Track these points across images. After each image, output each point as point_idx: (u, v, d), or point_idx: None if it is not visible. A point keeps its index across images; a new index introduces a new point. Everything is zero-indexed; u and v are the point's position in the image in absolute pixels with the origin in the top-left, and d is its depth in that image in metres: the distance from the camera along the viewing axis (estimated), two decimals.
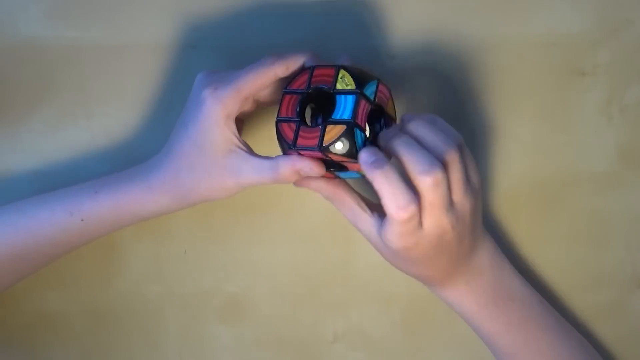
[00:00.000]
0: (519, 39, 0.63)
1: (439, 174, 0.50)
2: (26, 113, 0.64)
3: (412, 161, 0.50)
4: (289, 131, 0.54)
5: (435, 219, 0.51)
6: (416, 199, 0.50)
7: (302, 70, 0.55)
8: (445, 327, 0.67)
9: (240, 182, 0.55)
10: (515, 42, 0.63)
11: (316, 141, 0.52)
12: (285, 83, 0.55)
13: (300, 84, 0.54)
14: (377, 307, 0.67)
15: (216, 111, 0.54)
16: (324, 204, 0.65)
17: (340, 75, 0.53)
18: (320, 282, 0.66)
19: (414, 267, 0.56)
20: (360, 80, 0.53)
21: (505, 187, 0.65)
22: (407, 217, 0.50)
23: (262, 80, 0.54)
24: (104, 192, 0.58)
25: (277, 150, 0.55)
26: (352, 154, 0.52)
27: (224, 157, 0.55)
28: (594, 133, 0.64)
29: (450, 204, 0.52)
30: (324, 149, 0.52)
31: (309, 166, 0.53)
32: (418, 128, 0.52)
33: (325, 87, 0.53)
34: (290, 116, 0.54)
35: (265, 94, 0.57)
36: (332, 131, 0.52)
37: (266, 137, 0.60)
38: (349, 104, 0.52)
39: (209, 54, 0.63)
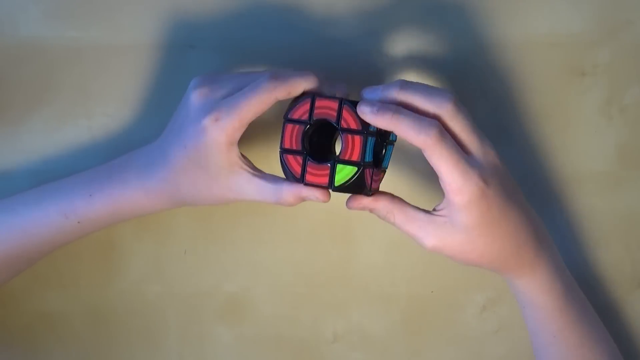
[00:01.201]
0: (519, 39, 0.63)
1: (435, 130, 0.50)
2: (26, 113, 0.64)
3: (405, 129, 0.50)
4: (295, 165, 0.53)
5: (460, 172, 0.51)
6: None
7: (303, 95, 0.54)
8: (445, 327, 0.67)
9: (241, 198, 0.55)
10: (516, 42, 0.63)
11: (326, 180, 0.53)
12: (286, 109, 0.54)
13: (301, 113, 0.53)
14: (377, 307, 0.67)
15: (219, 141, 0.53)
16: (324, 204, 0.65)
17: (343, 111, 0.53)
18: (320, 282, 0.66)
19: (491, 245, 0.54)
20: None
21: None
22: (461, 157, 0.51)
23: (262, 106, 0.53)
24: (98, 196, 0.57)
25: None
26: (363, 191, 0.53)
27: (226, 178, 0.54)
28: (594, 133, 0.64)
29: (469, 156, 0.52)
30: (335, 189, 0.53)
31: (314, 195, 0.53)
32: (401, 93, 0.52)
33: (330, 121, 0.53)
34: (295, 148, 0.53)
35: None
36: (342, 172, 0.52)
37: (264, 142, 0.61)
38: (357, 144, 0.52)
39: (209, 54, 0.63)
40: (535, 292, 0.57)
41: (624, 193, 0.65)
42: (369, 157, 0.53)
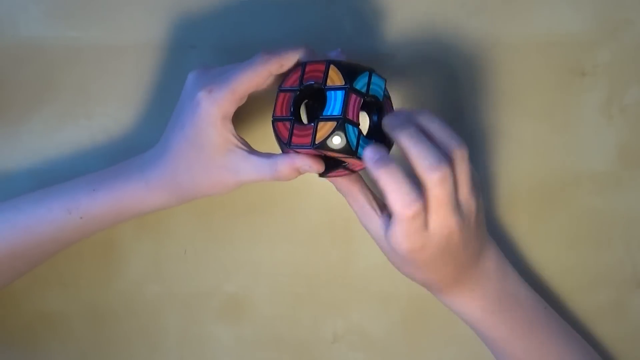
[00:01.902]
0: (519, 39, 0.63)
1: (446, 170, 0.49)
2: (26, 113, 0.64)
3: (420, 155, 0.49)
4: (284, 130, 0.54)
5: (441, 217, 0.51)
6: (422, 197, 0.50)
7: (295, 66, 0.55)
8: (445, 327, 0.67)
9: (239, 179, 0.55)
10: (515, 42, 0.63)
11: (309, 139, 0.52)
12: (280, 80, 0.55)
13: (293, 81, 0.54)
14: (377, 307, 0.66)
15: (213, 113, 0.54)
16: (324, 204, 0.65)
17: (330, 70, 0.53)
18: (320, 282, 0.66)
19: (420, 271, 0.55)
20: (351, 73, 0.52)
21: (505, 188, 0.65)
22: (412, 215, 0.50)
23: (256, 79, 0.54)
24: (101, 191, 0.58)
25: (274, 144, 0.55)
26: (348, 150, 0.52)
27: (222, 157, 0.55)
28: (594, 133, 0.64)
29: (457, 203, 0.51)
30: (317, 147, 0.52)
31: (307, 164, 0.53)
32: (426, 121, 0.51)
33: (316, 83, 0.53)
34: (284, 115, 0.54)
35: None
36: (324, 128, 0.52)
37: (263, 133, 0.60)
38: (339, 99, 0.52)
39: (209, 54, 0.63)
40: (466, 309, 0.59)
41: (624, 193, 0.65)
42: (352, 115, 0.52)
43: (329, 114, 0.52)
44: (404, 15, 0.63)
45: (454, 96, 0.64)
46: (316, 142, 0.52)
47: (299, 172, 0.54)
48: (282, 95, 0.54)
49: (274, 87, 0.56)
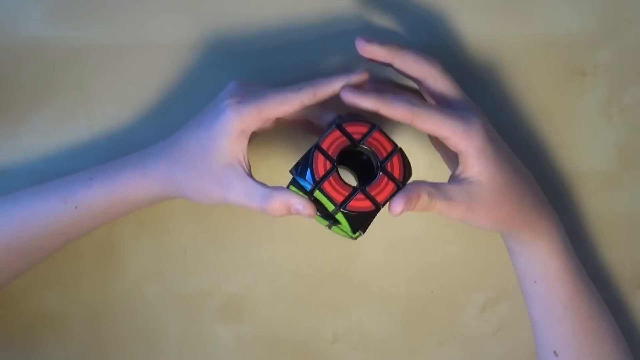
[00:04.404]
0: (519, 39, 0.63)
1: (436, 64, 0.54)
2: (26, 113, 0.64)
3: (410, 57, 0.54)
4: (320, 167, 0.53)
5: (459, 118, 0.53)
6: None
7: (365, 120, 0.54)
8: (445, 327, 0.67)
9: (225, 197, 0.55)
10: (515, 42, 0.63)
11: (341, 198, 0.53)
12: (342, 116, 0.55)
13: (355, 131, 0.54)
14: (377, 307, 0.67)
15: (232, 123, 0.53)
16: None
17: (394, 157, 0.54)
18: (320, 282, 0.66)
19: (509, 199, 0.55)
20: (406, 174, 0.54)
21: None
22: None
23: (287, 107, 0.53)
24: (98, 178, 0.58)
25: (273, 181, 0.54)
26: (359, 227, 0.54)
27: (221, 169, 0.54)
28: (594, 133, 0.64)
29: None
30: (341, 211, 0.53)
31: (302, 205, 0.53)
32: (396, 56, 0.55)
33: (377, 157, 0.54)
34: (330, 153, 0.53)
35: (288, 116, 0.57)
36: (360, 202, 0.53)
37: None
38: (388, 190, 0.53)
39: (209, 54, 0.63)
40: (553, 257, 0.58)
41: (624, 193, 0.65)
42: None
43: (372, 195, 0.53)
44: (404, 15, 0.63)
45: None
46: (346, 208, 0.53)
47: (289, 212, 0.53)
48: (337, 133, 0.54)
49: (299, 117, 0.56)
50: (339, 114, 0.56)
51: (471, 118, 0.53)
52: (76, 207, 0.58)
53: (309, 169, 0.53)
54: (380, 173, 0.53)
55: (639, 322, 0.67)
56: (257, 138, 0.60)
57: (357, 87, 0.52)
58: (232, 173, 0.54)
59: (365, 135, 0.54)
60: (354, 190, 0.53)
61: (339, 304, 0.67)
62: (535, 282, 0.59)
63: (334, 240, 0.66)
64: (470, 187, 0.54)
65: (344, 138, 0.54)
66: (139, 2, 0.62)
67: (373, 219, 0.54)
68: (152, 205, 0.59)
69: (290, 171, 0.54)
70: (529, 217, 0.57)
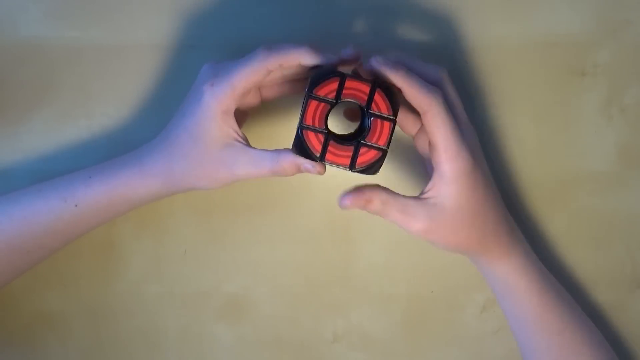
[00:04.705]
0: (519, 39, 0.63)
1: (440, 93, 0.53)
2: (26, 113, 0.64)
3: (418, 86, 0.52)
4: (316, 142, 0.53)
5: (456, 139, 0.53)
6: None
7: (330, 73, 0.53)
8: (445, 327, 0.67)
9: (233, 174, 0.55)
10: (515, 42, 0.63)
11: (348, 161, 0.53)
12: (309, 84, 0.53)
13: (328, 92, 0.53)
14: (377, 307, 0.67)
15: (213, 107, 0.54)
16: (324, 204, 0.65)
17: (376, 95, 0.53)
18: (320, 282, 0.66)
19: (475, 226, 0.55)
20: (395, 105, 0.53)
21: (505, 187, 0.65)
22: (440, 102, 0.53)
23: (255, 77, 0.53)
24: (97, 177, 0.58)
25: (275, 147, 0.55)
26: (375, 172, 0.54)
27: (219, 151, 0.55)
28: (594, 133, 0.64)
29: (459, 124, 0.54)
30: (355, 171, 0.53)
31: (311, 164, 0.53)
32: (409, 61, 0.55)
33: (360, 104, 0.53)
34: (317, 126, 0.53)
35: (269, 90, 0.58)
36: (366, 155, 0.53)
37: (266, 133, 0.60)
38: (385, 130, 0.53)
39: (209, 54, 0.63)
40: (514, 276, 0.58)
41: (624, 193, 0.65)
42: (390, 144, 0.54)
43: (373, 143, 0.53)
44: (404, 15, 0.63)
45: None
46: (356, 167, 0.53)
47: (300, 171, 0.54)
48: (313, 103, 0.53)
49: (282, 90, 0.56)
50: (309, 74, 0.55)
51: (464, 143, 0.53)
52: (76, 206, 0.58)
53: (306, 148, 0.53)
54: (372, 118, 0.53)
55: (639, 322, 0.67)
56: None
57: (391, 59, 0.53)
58: (233, 150, 0.55)
59: (339, 90, 0.53)
60: (356, 147, 0.53)
61: (338, 304, 0.67)
62: (504, 298, 0.60)
63: (334, 240, 0.66)
64: (432, 207, 0.54)
65: (322, 104, 0.53)
66: (139, 2, 0.62)
67: (384, 159, 0.53)
68: (152, 202, 0.59)
69: None
70: (491, 242, 0.57)
